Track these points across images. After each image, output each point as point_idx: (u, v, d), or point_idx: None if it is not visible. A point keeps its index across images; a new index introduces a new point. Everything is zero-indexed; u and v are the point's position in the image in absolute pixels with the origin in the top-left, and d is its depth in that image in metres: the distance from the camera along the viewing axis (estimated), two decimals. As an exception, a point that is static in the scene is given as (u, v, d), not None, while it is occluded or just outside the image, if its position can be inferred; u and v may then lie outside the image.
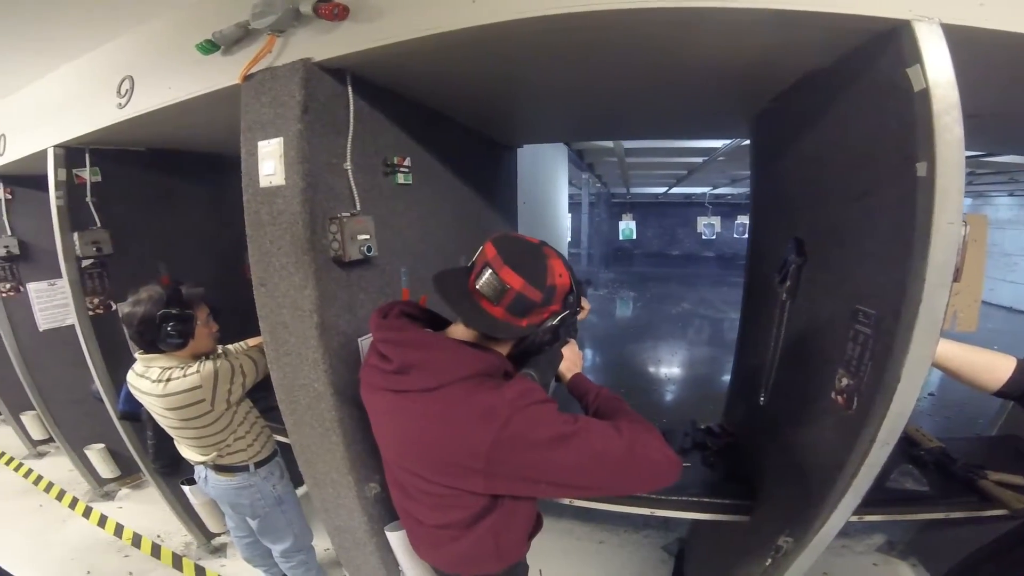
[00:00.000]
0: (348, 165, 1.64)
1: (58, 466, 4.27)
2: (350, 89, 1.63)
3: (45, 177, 2.53)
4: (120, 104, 2.03)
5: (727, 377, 5.98)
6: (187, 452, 2.22)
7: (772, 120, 2.09)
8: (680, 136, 5.11)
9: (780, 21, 1.18)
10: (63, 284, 2.69)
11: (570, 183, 8.96)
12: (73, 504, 3.80)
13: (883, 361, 1.24)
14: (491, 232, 1.23)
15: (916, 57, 1.09)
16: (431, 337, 1.24)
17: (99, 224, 2.70)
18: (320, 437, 1.72)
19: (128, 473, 3.97)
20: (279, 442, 2.37)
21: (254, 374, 2.09)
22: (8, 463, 4.47)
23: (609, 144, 6.20)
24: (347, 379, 1.65)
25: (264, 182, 1.54)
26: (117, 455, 3.82)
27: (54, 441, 4.04)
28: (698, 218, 7.61)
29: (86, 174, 2.61)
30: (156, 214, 3.06)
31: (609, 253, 19.54)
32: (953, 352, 1.32)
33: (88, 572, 3.07)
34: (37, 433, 4.43)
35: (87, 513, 3.68)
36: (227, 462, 2.17)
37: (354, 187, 1.66)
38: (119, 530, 3.47)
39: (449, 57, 1.52)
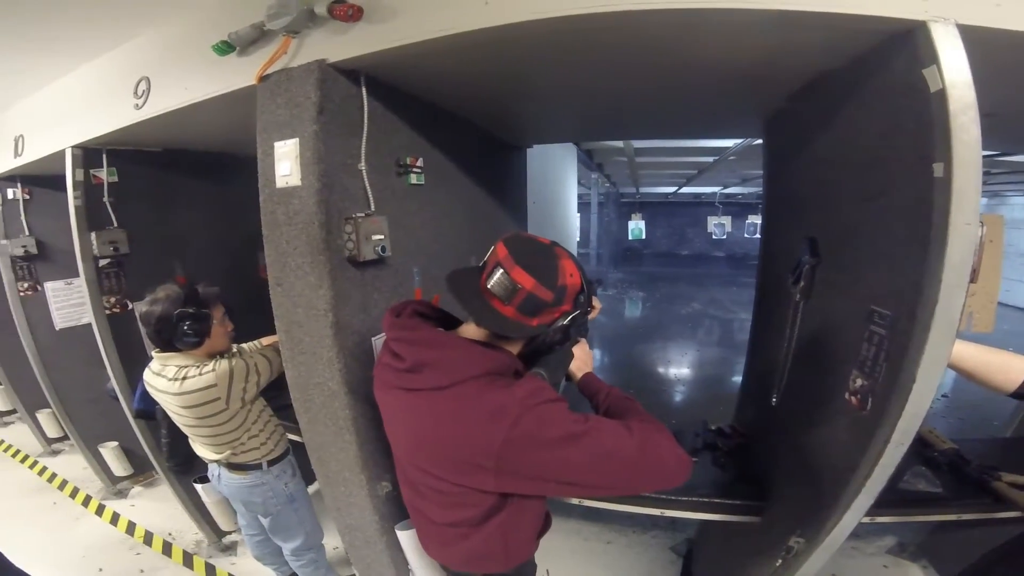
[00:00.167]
0: (362, 166, 1.65)
1: (72, 464, 4.31)
2: (364, 90, 1.64)
3: (62, 177, 2.56)
4: (137, 105, 2.05)
5: (737, 378, 5.94)
6: (201, 450, 2.24)
7: (786, 120, 2.09)
8: (692, 136, 5.10)
9: (796, 23, 1.18)
10: (80, 283, 2.72)
11: (579, 183, 8.94)
12: (86, 502, 3.84)
13: (898, 362, 1.24)
14: (502, 232, 1.23)
15: (932, 58, 1.09)
16: (443, 336, 1.25)
17: (116, 224, 2.73)
18: (333, 435, 1.74)
19: (141, 471, 4.00)
20: (291, 440, 2.39)
21: (268, 373, 2.11)
22: (23, 460, 4.52)
23: (619, 144, 6.19)
24: (361, 378, 1.66)
25: (280, 183, 1.55)
26: (130, 453, 3.85)
27: (69, 439, 4.09)
28: (708, 218, 7.59)
29: (103, 174, 2.63)
30: (171, 214, 3.09)
31: (618, 253, 19.45)
32: (968, 353, 1.31)
33: (100, 570, 3.09)
34: (52, 431, 4.48)
35: (100, 511, 3.72)
36: (241, 460, 2.19)
37: (368, 188, 1.67)
38: (131, 528, 3.50)
39: (461, 58, 1.53)
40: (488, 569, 1.36)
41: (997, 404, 4.74)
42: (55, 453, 4.63)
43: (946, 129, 1.07)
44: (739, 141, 5.18)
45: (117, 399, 2.84)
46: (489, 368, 1.16)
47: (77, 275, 2.71)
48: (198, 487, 2.55)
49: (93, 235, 2.63)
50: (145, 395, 2.23)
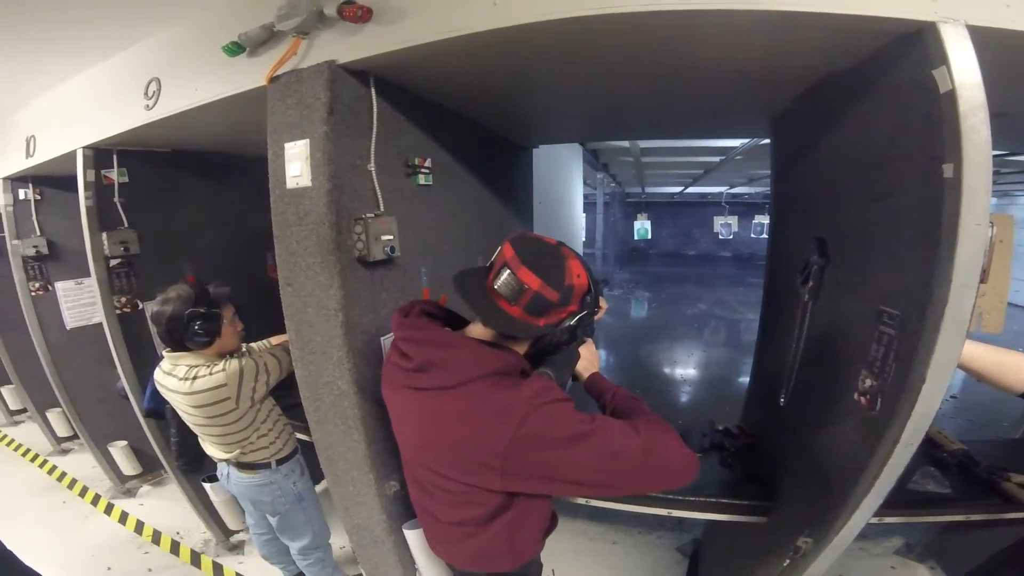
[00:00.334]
0: (372, 166, 1.66)
1: (81, 463, 4.35)
2: (373, 91, 1.65)
3: (73, 178, 2.58)
4: (148, 106, 2.07)
5: (744, 379, 5.93)
6: (211, 449, 2.26)
7: (794, 120, 2.09)
8: (699, 136, 5.09)
9: (806, 24, 1.18)
10: (90, 283, 2.74)
11: (584, 183, 8.94)
12: (95, 501, 3.87)
13: (908, 362, 1.24)
14: (508, 232, 1.24)
15: (942, 59, 1.09)
16: (450, 336, 1.26)
17: (126, 224, 2.75)
18: (342, 435, 1.74)
19: (150, 470, 4.03)
20: (299, 440, 2.40)
21: (277, 372, 2.12)
22: (33, 459, 4.56)
23: (625, 144, 6.18)
24: (370, 377, 1.67)
25: (291, 183, 1.56)
26: (139, 452, 3.88)
27: (78, 438, 4.12)
28: (715, 218, 7.59)
29: (114, 175, 2.65)
30: (180, 214, 3.10)
31: (624, 253, 19.43)
32: (978, 353, 1.31)
33: (109, 568, 3.11)
34: (62, 430, 4.53)
35: (109, 510, 3.75)
36: (250, 459, 2.21)
37: (378, 188, 1.68)
38: (139, 527, 3.52)
39: (469, 59, 1.53)
40: (494, 568, 1.37)
41: (1006, 405, 4.73)
42: (65, 452, 4.67)
43: (956, 130, 1.07)
44: (746, 141, 5.16)
45: (127, 398, 2.86)
46: (496, 368, 1.17)
47: (88, 275, 2.73)
48: (206, 486, 2.57)
49: (104, 235, 2.65)
50: (155, 394, 2.25)
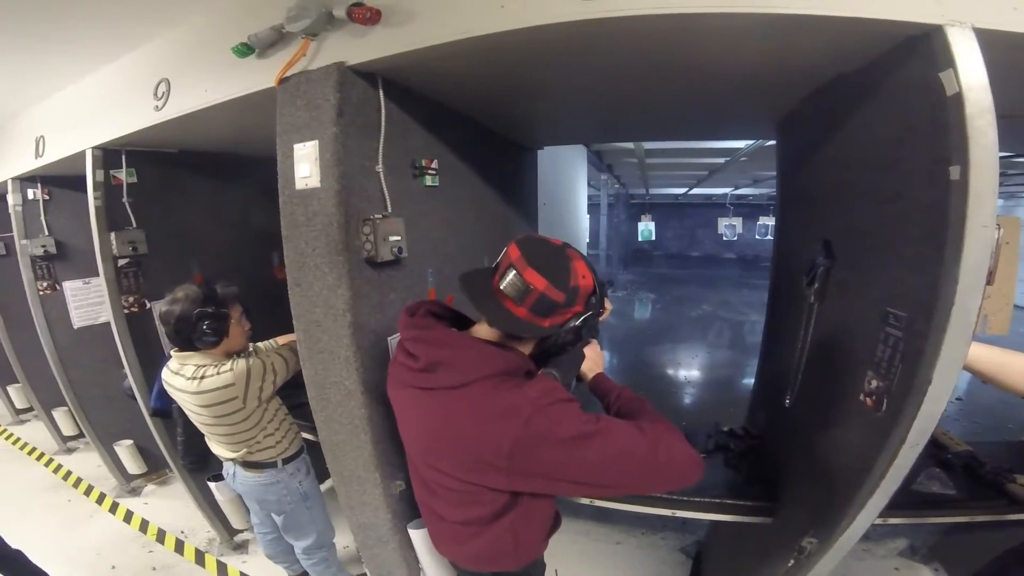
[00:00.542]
0: (379, 167, 1.67)
1: (87, 462, 4.37)
2: (381, 92, 1.65)
3: (81, 178, 2.59)
4: (157, 106, 2.08)
5: (748, 381, 5.91)
6: (217, 449, 2.27)
7: (800, 122, 2.09)
8: (704, 137, 5.09)
9: (813, 27, 1.19)
10: (97, 282, 2.75)
11: (588, 184, 8.93)
12: (100, 500, 3.88)
13: (914, 363, 1.24)
14: (513, 234, 1.24)
15: (949, 61, 1.09)
16: (457, 336, 1.27)
17: (134, 224, 2.76)
18: (349, 434, 1.76)
19: (155, 469, 4.05)
20: (304, 439, 2.42)
21: (284, 372, 2.13)
22: (39, 458, 4.58)
23: (629, 145, 6.20)
24: (376, 377, 1.67)
25: (300, 184, 1.57)
26: (145, 451, 3.90)
27: (84, 437, 4.13)
28: (719, 219, 7.54)
29: (122, 175, 2.67)
30: (188, 214, 3.12)
31: (628, 254, 19.39)
32: (985, 355, 1.31)
33: (113, 567, 3.12)
34: (68, 429, 4.53)
35: (114, 508, 3.76)
36: (256, 459, 2.22)
37: (385, 189, 1.69)
38: (144, 526, 3.53)
39: (476, 60, 1.54)
40: (499, 567, 1.38)
41: (1012, 407, 4.73)
42: (70, 451, 4.68)
43: (963, 132, 1.07)
44: (751, 142, 5.17)
45: (134, 397, 2.87)
46: (502, 368, 1.18)
47: (95, 274, 2.74)
48: (211, 485, 2.57)
49: (113, 235, 2.66)
50: (161, 394, 2.27)
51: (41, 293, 3.58)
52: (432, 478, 1.31)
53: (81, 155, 2.57)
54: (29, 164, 3.03)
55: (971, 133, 1.06)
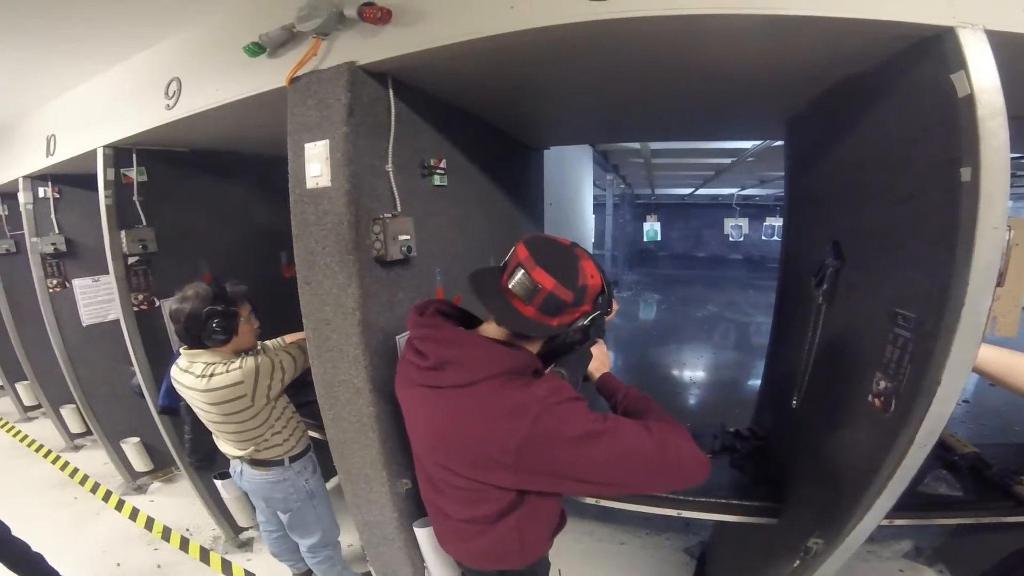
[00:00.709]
0: (389, 167, 1.68)
1: (94, 459, 4.40)
2: (391, 92, 1.66)
3: (91, 176, 2.61)
4: (168, 105, 2.09)
5: (753, 382, 5.89)
6: (225, 446, 2.28)
7: (809, 123, 2.09)
8: (711, 138, 5.07)
9: (825, 28, 1.19)
10: (106, 280, 2.78)
11: (594, 184, 8.93)
12: (107, 497, 3.90)
13: (923, 364, 1.24)
14: (520, 234, 1.25)
15: (960, 63, 1.09)
16: (465, 335, 1.27)
17: (144, 222, 2.78)
18: (357, 432, 1.76)
19: (161, 467, 4.07)
20: (311, 437, 2.42)
21: (292, 370, 2.14)
22: (46, 455, 4.60)
23: (635, 145, 6.19)
24: (385, 376, 1.68)
25: (311, 183, 1.58)
26: (151, 449, 3.92)
27: (91, 434, 4.17)
28: (725, 220, 7.54)
29: (133, 174, 2.68)
30: (197, 213, 3.14)
31: (633, 255, 19.33)
32: (994, 357, 1.31)
33: (119, 564, 3.14)
34: (75, 426, 4.57)
35: (120, 506, 3.78)
36: (263, 456, 2.23)
37: (395, 188, 1.70)
38: (150, 523, 3.55)
39: (485, 61, 1.54)
40: (504, 565, 1.39)
41: (1019, 410, 4.71)
42: (77, 448, 4.71)
43: (974, 134, 1.07)
44: (758, 142, 5.15)
45: (142, 395, 2.89)
46: (510, 367, 1.18)
47: (104, 272, 2.77)
48: (217, 483, 2.59)
49: (123, 233, 2.67)
50: (169, 391, 2.28)
51: (51, 291, 3.60)
52: (439, 476, 1.32)
53: (92, 154, 2.58)
54: (40, 162, 3.05)
55: (982, 135, 1.06)
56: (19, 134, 3.29)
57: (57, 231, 3.51)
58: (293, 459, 2.29)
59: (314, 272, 1.64)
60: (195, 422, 2.31)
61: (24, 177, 3.35)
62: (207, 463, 2.76)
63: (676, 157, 7.30)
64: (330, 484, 2.65)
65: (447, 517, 1.37)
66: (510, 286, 1.17)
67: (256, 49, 1.66)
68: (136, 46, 2.21)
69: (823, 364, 1.80)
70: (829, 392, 1.74)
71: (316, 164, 1.56)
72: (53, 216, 3.48)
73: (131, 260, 2.77)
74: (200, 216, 3.15)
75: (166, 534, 3.43)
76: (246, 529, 3.30)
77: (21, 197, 3.41)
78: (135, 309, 2.82)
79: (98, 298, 3.80)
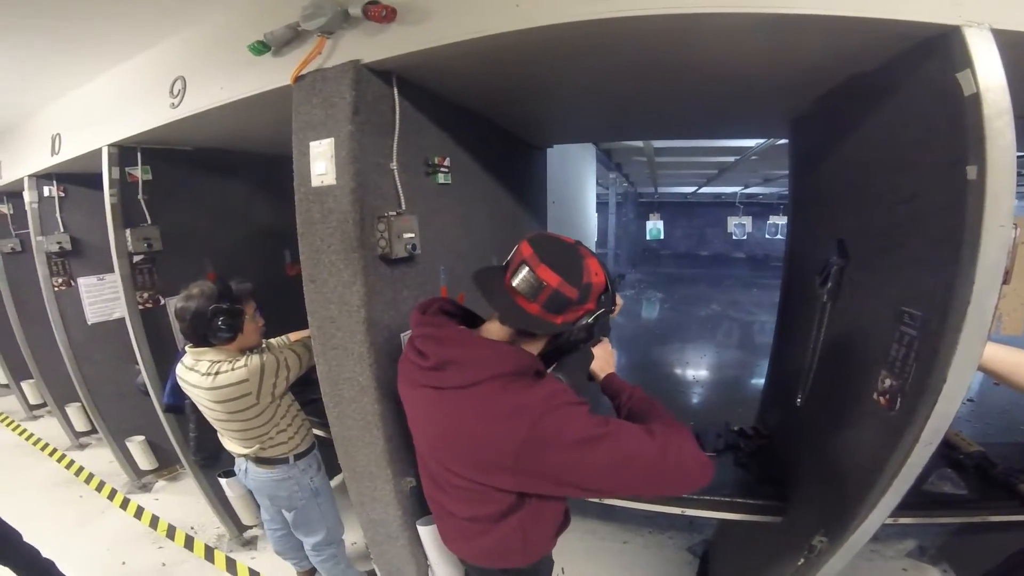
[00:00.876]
0: (394, 165, 1.68)
1: (99, 457, 4.41)
2: (396, 91, 1.66)
3: (96, 175, 2.61)
4: (173, 104, 2.10)
5: (756, 381, 5.86)
6: (230, 445, 2.28)
7: (813, 121, 2.09)
8: (715, 136, 5.06)
9: (829, 28, 1.19)
10: (112, 279, 2.77)
11: (597, 183, 8.91)
12: (112, 495, 3.91)
13: (929, 362, 1.24)
14: (523, 232, 1.24)
15: (966, 62, 1.09)
16: (467, 335, 1.26)
17: (149, 221, 2.78)
18: (362, 430, 1.77)
19: (165, 465, 4.08)
20: (315, 435, 2.43)
21: (297, 368, 2.14)
22: (51, 454, 4.61)
23: (638, 144, 6.18)
24: (390, 374, 1.68)
25: (316, 181, 1.58)
26: (156, 447, 3.92)
27: (96, 432, 4.18)
28: (728, 218, 7.51)
29: (138, 172, 2.69)
30: (201, 211, 3.14)
31: (636, 253, 19.29)
32: (1000, 355, 1.30)
33: (124, 563, 3.14)
34: (80, 425, 4.57)
35: (125, 504, 3.78)
36: (268, 455, 2.23)
37: (400, 187, 1.70)
38: (154, 521, 3.56)
39: (490, 59, 1.55)
40: (507, 564, 1.39)
41: (1024, 409, 4.70)
42: (82, 447, 4.71)
43: (980, 133, 1.07)
44: (762, 141, 5.13)
45: (147, 393, 2.89)
46: (511, 368, 1.17)
47: (110, 271, 2.76)
48: (222, 481, 2.60)
49: (128, 232, 2.68)
50: (175, 390, 2.29)
51: (56, 289, 3.61)
52: (441, 476, 1.32)
53: (97, 152, 2.59)
54: (45, 161, 3.06)
55: (989, 134, 1.07)
56: (24, 133, 3.30)
57: (62, 230, 3.51)
58: (298, 457, 2.30)
59: (319, 270, 1.65)
60: (200, 420, 2.31)
61: (29, 176, 3.36)
62: (212, 461, 2.77)
63: (679, 156, 7.28)
64: (334, 482, 2.65)
65: (450, 515, 1.37)
66: (514, 284, 1.17)
67: (261, 48, 1.66)
68: (140, 45, 2.20)
69: (828, 362, 1.80)
70: (834, 390, 1.74)
71: (321, 162, 1.56)
72: (58, 215, 3.48)
73: (136, 258, 2.77)
74: (204, 214, 3.15)
75: (171, 532, 3.44)
76: (250, 527, 3.30)
77: (26, 196, 3.42)
78: (140, 307, 2.82)
79: (103, 296, 3.80)
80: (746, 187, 13.06)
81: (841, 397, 1.68)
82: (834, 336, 1.77)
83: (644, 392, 1.43)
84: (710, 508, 2.01)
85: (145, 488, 4.00)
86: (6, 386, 5.49)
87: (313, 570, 2.70)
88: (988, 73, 1.07)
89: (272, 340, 2.47)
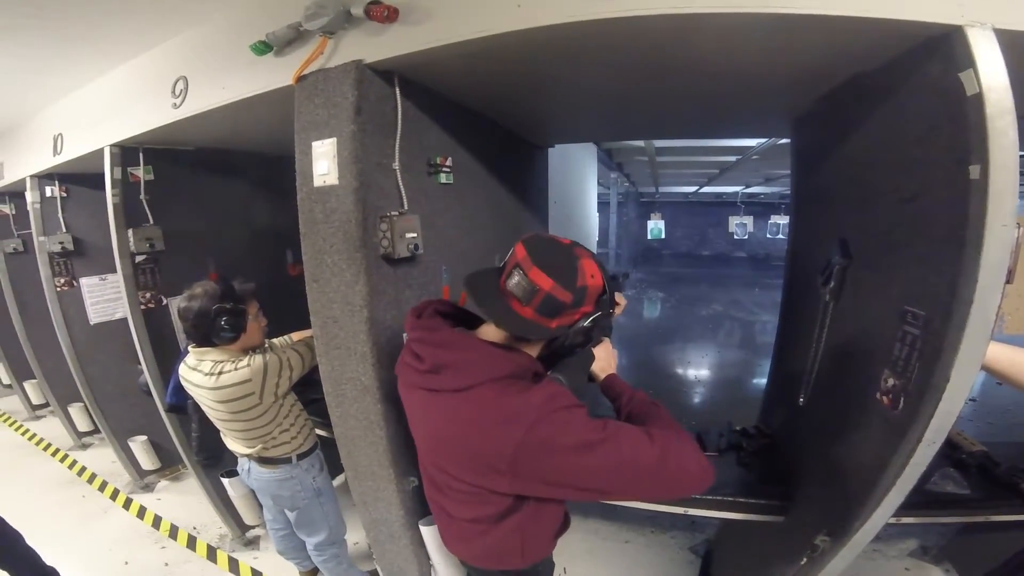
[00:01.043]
0: (396, 165, 1.68)
1: (101, 457, 4.41)
2: (398, 90, 1.66)
3: (98, 175, 2.61)
4: (175, 104, 2.10)
5: (758, 380, 5.85)
6: (233, 444, 2.28)
7: (816, 121, 2.09)
8: (717, 136, 5.06)
9: (832, 27, 1.19)
10: (113, 279, 2.78)
11: (598, 183, 8.91)
12: (114, 495, 3.91)
13: (932, 362, 1.24)
14: (525, 231, 1.24)
15: (969, 62, 1.10)
16: (462, 338, 1.24)
17: (151, 221, 2.79)
18: (364, 430, 1.77)
19: (168, 465, 4.09)
20: (318, 435, 2.43)
21: (300, 368, 2.14)
22: (54, 454, 4.62)
23: (640, 143, 6.17)
24: (392, 374, 1.65)
25: (318, 181, 1.58)
26: (158, 447, 3.93)
27: (98, 432, 4.18)
28: (730, 218, 7.49)
29: (140, 172, 2.69)
30: (203, 211, 3.14)
31: (637, 253, 19.29)
32: (1003, 354, 1.30)
33: (126, 563, 3.14)
34: (83, 425, 4.59)
35: (127, 504, 3.79)
36: (271, 454, 2.23)
37: (402, 186, 1.70)
38: (157, 521, 3.56)
39: (492, 59, 1.55)
40: (506, 565, 1.38)
41: (1029, 409, 4.69)
42: (85, 447, 4.73)
43: (983, 132, 1.07)
44: (763, 140, 5.13)
45: (149, 393, 2.89)
46: (507, 371, 1.15)
47: (112, 271, 2.76)
48: (224, 481, 2.60)
49: (130, 232, 2.68)
50: (177, 389, 2.29)
51: (58, 289, 3.61)
52: (439, 477, 1.31)
53: (99, 152, 2.59)
54: (47, 162, 3.06)
55: (991, 133, 1.07)
56: (26, 133, 3.30)
57: (64, 230, 3.52)
58: (301, 457, 2.30)
59: (322, 270, 1.65)
60: (202, 420, 2.31)
61: (31, 176, 3.36)
62: (214, 461, 2.77)
63: (681, 155, 7.27)
64: (336, 482, 2.65)
65: (449, 516, 1.37)
66: (508, 287, 1.15)
67: (263, 48, 1.66)
68: (142, 45, 2.21)
69: (830, 362, 1.80)
70: (837, 390, 1.74)
71: (323, 162, 1.56)
72: (60, 215, 3.49)
73: (138, 258, 2.77)
74: (206, 214, 3.15)
75: (173, 532, 3.44)
76: (253, 527, 3.30)
77: (28, 196, 3.42)
78: (142, 307, 2.82)
79: (105, 297, 3.81)
80: (747, 187, 13.05)
81: (844, 397, 1.68)
82: (837, 335, 1.77)
83: (646, 394, 1.41)
84: (712, 508, 2.01)
85: (148, 488, 4.01)
86: (9, 386, 5.51)
87: (315, 570, 2.70)
88: (991, 73, 1.07)
89: (275, 340, 2.47)
